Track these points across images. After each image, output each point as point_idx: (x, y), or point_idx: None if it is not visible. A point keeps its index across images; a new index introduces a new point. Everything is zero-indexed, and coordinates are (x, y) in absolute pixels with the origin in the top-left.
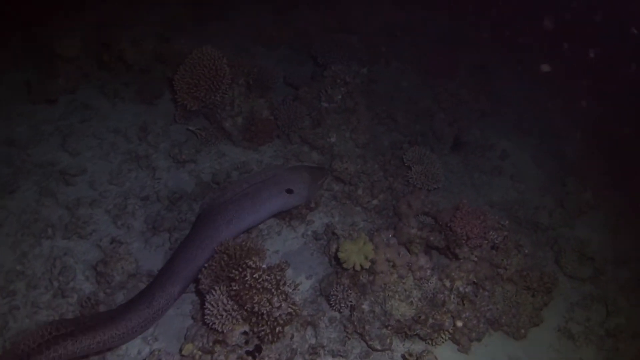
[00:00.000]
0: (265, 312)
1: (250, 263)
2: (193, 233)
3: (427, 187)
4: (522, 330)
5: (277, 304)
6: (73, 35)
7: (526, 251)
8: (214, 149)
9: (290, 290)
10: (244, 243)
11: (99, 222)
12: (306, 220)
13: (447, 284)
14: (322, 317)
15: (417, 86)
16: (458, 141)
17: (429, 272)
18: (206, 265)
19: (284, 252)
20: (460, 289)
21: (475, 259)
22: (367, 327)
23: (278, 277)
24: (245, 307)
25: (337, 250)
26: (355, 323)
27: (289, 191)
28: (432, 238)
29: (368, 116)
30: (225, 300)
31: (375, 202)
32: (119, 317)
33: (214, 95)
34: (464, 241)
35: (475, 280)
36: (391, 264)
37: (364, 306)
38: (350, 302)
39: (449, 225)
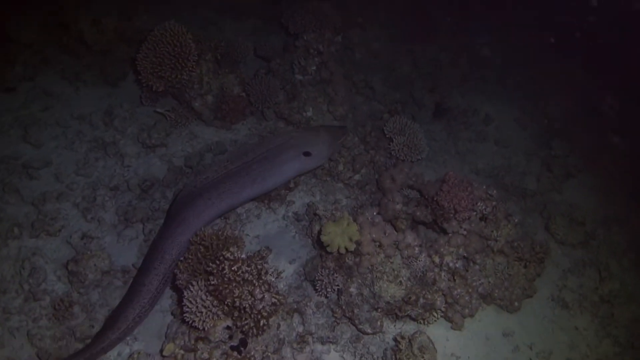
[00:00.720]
0: (247, 305)
1: (228, 255)
2: (220, 180)
3: (410, 158)
4: (516, 303)
5: (259, 296)
6: (29, 18)
7: (516, 220)
8: (185, 131)
9: (273, 279)
10: (220, 232)
11: (68, 217)
12: (286, 201)
13: (437, 260)
14: (308, 303)
15: (395, 52)
16: (440, 108)
17: (417, 249)
18: (182, 259)
19: (265, 236)
20: (450, 264)
21: (464, 232)
22: (356, 310)
23: (259, 267)
24: (226, 302)
25: (319, 232)
26: (344, 307)
27: (307, 154)
28: (418, 213)
29: (345, 86)
30: (204, 296)
31: (357, 177)
32: (137, 286)
33: (181, 73)
34: (451, 215)
35: (465, 255)
36: (377, 244)
37: (351, 289)
38: (337, 285)
39: (435, 199)
